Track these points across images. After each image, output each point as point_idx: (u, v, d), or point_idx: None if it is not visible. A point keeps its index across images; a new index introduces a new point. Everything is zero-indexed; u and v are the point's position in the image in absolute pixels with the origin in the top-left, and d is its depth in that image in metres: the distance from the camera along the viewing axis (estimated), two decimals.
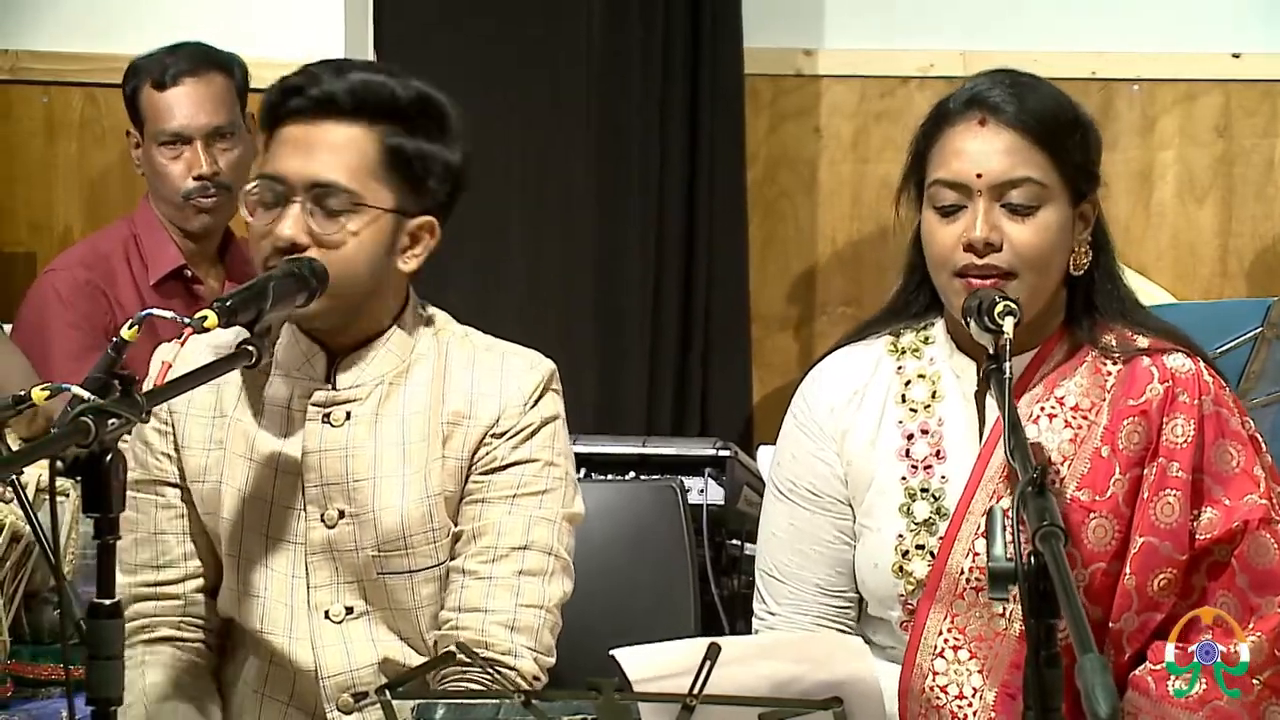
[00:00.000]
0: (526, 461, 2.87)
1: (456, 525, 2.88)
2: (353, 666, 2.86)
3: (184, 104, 4.16)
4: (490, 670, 2.28)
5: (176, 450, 2.91)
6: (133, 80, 4.23)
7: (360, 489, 2.85)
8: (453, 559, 2.87)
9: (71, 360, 4.00)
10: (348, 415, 2.85)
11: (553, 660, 2.86)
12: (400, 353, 2.88)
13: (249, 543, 2.88)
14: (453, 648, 2.66)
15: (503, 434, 2.87)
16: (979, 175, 2.75)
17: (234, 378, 2.88)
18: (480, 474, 2.87)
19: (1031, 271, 2.75)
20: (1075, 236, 2.80)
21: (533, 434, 2.88)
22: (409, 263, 2.85)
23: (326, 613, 2.87)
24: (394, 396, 2.87)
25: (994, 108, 2.77)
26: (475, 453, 2.87)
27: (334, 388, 2.86)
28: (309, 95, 2.79)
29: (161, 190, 4.21)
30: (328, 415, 2.85)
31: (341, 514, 2.85)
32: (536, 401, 2.89)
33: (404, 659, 2.88)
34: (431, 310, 2.97)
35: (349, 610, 2.87)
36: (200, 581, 2.93)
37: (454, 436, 2.87)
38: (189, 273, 4.22)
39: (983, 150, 2.76)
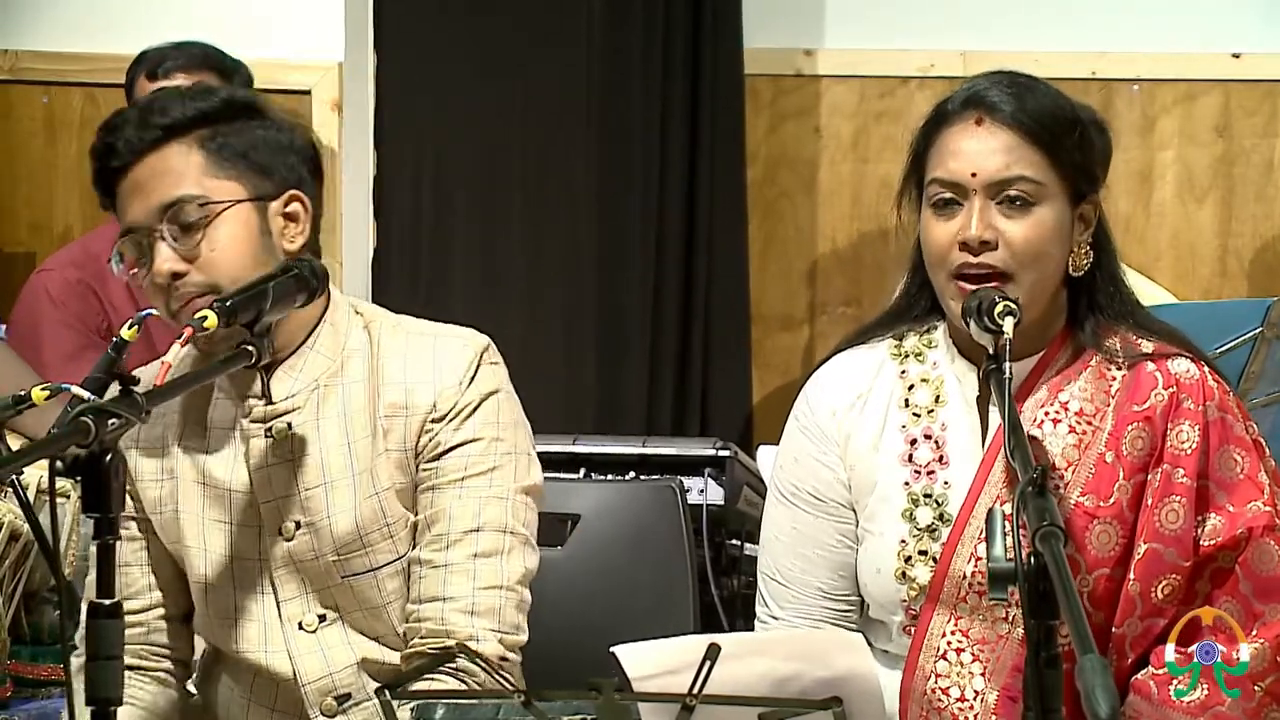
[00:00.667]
0: (470, 441, 2.84)
1: (415, 515, 2.86)
2: (332, 670, 2.86)
3: None
4: (461, 657, 2.27)
5: (131, 483, 2.90)
6: (134, 69, 4.24)
7: (312, 497, 2.84)
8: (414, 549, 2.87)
9: (65, 360, 3.99)
10: (289, 426, 2.84)
11: (523, 638, 2.83)
12: (330, 353, 2.87)
13: (214, 566, 2.87)
14: (454, 649, 2.67)
15: (442, 418, 2.84)
16: (974, 174, 2.74)
17: (174, 405, 2.87)
18: (427, 461, 2.84)
19: (1027, 269, 2.74)
20: (1075, 237, 2.79)
21: (473, 412, 2.85)
22: (294, 241, 2.84)
23: (300, 624, 2.86)
24: (331, 398, 2.85)
25: (990, 107, 2.76)
26: (418, 441, 2.84)
27: (269, 401, 2.84)
28: (120, 148, 2.79)
29: None
30: (269, 429, 2.84)
31: (298, 525, 2.84)
32: (473, 379, 2.85)
33: (382, 657, 2.87)
34: (361, 305, 2.95)
35: (321, 618, 2.87)
36: (163, 610, 2.94)
37: (394, 429, 2.85)
38: None
39: (978, 150, 2.75)
